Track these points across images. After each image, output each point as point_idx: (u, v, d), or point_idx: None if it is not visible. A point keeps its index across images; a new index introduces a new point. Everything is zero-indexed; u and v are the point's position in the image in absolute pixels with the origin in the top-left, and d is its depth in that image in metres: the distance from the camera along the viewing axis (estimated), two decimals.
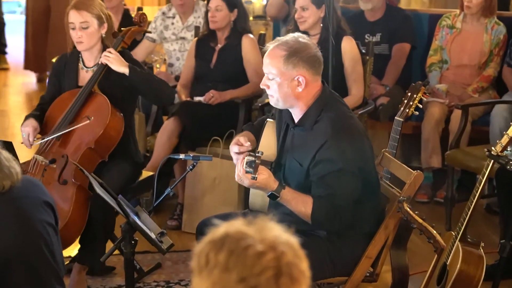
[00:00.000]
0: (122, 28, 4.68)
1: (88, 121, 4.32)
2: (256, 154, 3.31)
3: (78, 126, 4.33)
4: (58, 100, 4.51)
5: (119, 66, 4.39)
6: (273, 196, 3.40)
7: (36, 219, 2.98)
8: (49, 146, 4.40)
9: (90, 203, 4.26)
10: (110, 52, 4.41)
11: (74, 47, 4.54)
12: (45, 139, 4.39)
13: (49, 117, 4.49)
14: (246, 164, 3.31)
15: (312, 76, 3.48)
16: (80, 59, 4.56)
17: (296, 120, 3.57)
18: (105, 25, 4.46)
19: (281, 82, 3.46)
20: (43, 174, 4.30)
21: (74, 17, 4.41)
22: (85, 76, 4.53)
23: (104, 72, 4.44)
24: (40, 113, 4.53)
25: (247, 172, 3.32)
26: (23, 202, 2.96)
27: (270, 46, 3.52)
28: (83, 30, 4.41)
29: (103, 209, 4.16)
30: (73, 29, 4.42)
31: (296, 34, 3.57)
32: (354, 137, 3.48)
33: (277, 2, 6.26)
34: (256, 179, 3.32)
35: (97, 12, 4.42)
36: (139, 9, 6.88)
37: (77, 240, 4.36)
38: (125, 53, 4.56)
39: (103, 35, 4.48)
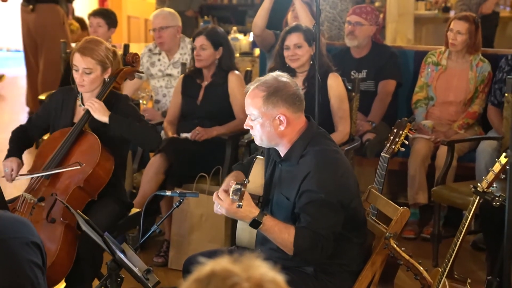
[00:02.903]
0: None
1: (78, 167, 4.28)
2: (242, 182, 3.31)
3: (67, 169, 4.30)
4: (50, 138, 4.51)
5: (101, 115, 4.41)
6: (256, 223, 3.37)
7: (24, 260, 2.95)
8: (38, 184, 4.37)
9: (78, 243, 4.24)
10: (95, 101, 4.42)
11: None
12: (33, 176, 4.37)
13: (40, 155, 4.48)
14: (232, 192, 3.30)
15: (293, 114, 3.50)
16: (80, 97, 4.55)
17: (282, 155, 3.58)
18: (109, 70, 4.45)
19: (263, 122, 3.48)
20: (32, 213, 4.27)
21: (78, 61, 4.40)
22: (81, 113, 4.51)
23: None
24: (21, 143, 4.59)
25: (232, 200, 3.31)
26: (11, 242, 2.94)
27: (250, 87, 3.55)
28: (86, 75, 4.41)
29: (91, 249, 4.13)
30: (76, 71, 4.42)
31: (275, 73, 3.59)
32: (338, 171, 3.48)
33: (265, 13, 6.17)
34: (241, 207, 3.31)
35: (102, 59, 4.41)
36: (126, 46, 6.91)
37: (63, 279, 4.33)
38: (121, 98, 4.56)
39: (106, 80, 4.48)
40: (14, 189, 4.73)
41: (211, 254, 3.67)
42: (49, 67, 8.57)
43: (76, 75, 4.43)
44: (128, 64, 4.72)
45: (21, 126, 4.70)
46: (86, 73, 4.40)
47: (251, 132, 3.57)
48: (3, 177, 4.44)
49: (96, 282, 4.29)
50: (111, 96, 4.51)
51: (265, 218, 3.38)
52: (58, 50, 7.52)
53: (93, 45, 4.44)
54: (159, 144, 4.69)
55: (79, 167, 4.27)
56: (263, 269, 1.73)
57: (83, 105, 4.50)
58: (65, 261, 4.19)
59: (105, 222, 4.27)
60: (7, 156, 4.50)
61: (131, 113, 4.52)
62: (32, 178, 4.40)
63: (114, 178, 4.48)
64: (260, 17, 6.17)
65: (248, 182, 3.35)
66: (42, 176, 4.35)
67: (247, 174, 3.81)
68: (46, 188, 4.36)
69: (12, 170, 4.43)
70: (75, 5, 10.06)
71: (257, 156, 3.85)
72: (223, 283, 1.68)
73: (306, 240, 3.38)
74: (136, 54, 4.80)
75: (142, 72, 4.82)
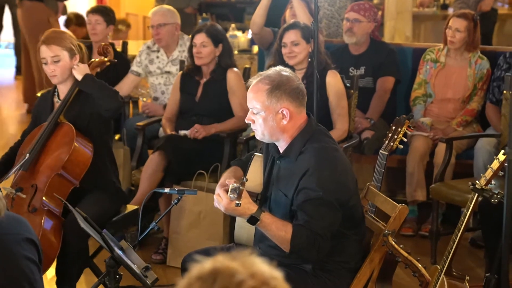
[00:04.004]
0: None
1: (26, 157, 4.36)
2: (240, 181, 3.31)
3: (17, 167, 4.39)
4: (30, 134, 4.58)
5: (77, 73, 4.47)
6: (253, 220, 3.37)
7: (20, 256, 2.95)
8: (17, 177, 4.45)
9: (64, 231, 4.27)
10: (77, 65, 4.49)
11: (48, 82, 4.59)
12: (10, 173, 4.43)
13: (20, 151, 4.54)
14: (231, 191, 3.30)
15: (296, 108, 3.50)
16: (56, 93, 4.60)
17: (281, 151, 3.57)
18: (77, 56, 4.51)
19: (266, 116, 3.47)
20: (12, 205, 4.32)
21: (45, 52, 4.47)
22: None
23: (69, 104, 4.49)
24: (7, 157, 4.62)
25: (231, 199, 3.31)
26: (6, 239, 2.94)
27: (253, 81, 3.53)
28: (55, 64, 4.46)
29: (76, 235, 4.16)
30: (45, 64, 4.49)
31: (278, 67, 3.58)
32: (337, 169, 3.48)
33: (262, 12, 6.19)
34: (240, 206, 3.31)
35: (67, 45, 4.48)
36: (124, 43, 6.90)
37: (55, 272, 4.34)
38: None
39: (77, 66, 4.51)
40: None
41: (207, 252, 3.68)
42: (38, 65, 8.61)
43: (46, 68, 4.50)
44: (100, 55, 4.79)
45: (17, 142, 4.71)
46: (54, 62, 4.46)
47: (252, 126, 3.55)
48: None
49: (94, 279, 4.29)
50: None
51: (263, 215, 3.38)
52: None
53: (56, 34, 4.54)
54: (118, 109, 4.68)
55: (26, 157, 4.36)
56: (263, 266, 1.73)
57: (60, 100, 4.54)
58: (49, 248, 4.20)
59: (94, 211, 4.27)
60: None
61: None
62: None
63: (102, 167, 4.52)
64: (259, 15, 6.18)
65: (247, 181, 3.34)
66: (16, 169, 4.40)
67: (245, 171, 3.81)
68: (26, 180, 4.42)
69: None
70: (74, 2, 10.05)
71: (255, 154, 3.85)
72: (230, 280, 1.68)
73: (303, 239, 3.38)
74: (107, 44, 4.88)
75: (115, 61, 4.87)
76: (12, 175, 4.46)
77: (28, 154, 4.39)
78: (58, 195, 4.01)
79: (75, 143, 4.38)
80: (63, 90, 4.57)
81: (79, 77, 4.47)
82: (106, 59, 4.79)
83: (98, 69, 4.75)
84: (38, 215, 4.28)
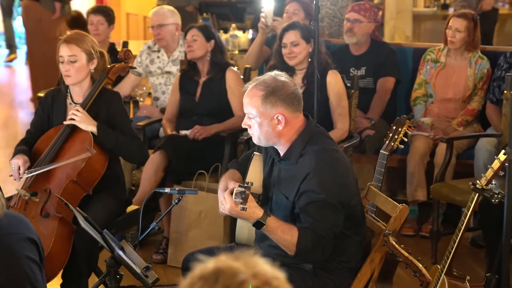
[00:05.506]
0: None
1: (89, 154, 4.30)
2: (246, 185, 3.30)
3: (75, 159, 4.30)
4: (44, 136, 4.52)
5: (87, 125, 4.41)
6: (259, 224, 3.37)
7: (21, 256, 2.95)
8: (31, 180, 4.39)
9: (74, 237, 4.25)
10: (77, 110, 4.41)
11: (64, 82, 4.54)
12: (41, 171, 4.35)
13: (34, 153, 4.50)
14: (236, 195, 3.29)
15: (291, 114, 3.49)
16: (69, 95, 4.56)
17: (281, 154, 3.57)
18: (95, 61, 4.47)
19: (261, 121, 3.47)
20: (25, 208, 4.29)
21: (64, 50, 4.43)
22: None
23: (87, 108, 4.46)
24: (27, 147, 4.52)
25: (236, 203, 3.30)
26: (7, 238, 2.94)
27: (248, 86, 3.54)
28: (71, 64, 4.42)
29: (87, 243, 4.15)
30: (62, 62, 4.44)
31: (274, 72, 3.58)
32: (338, 170, 3.48)
33: (255, 52, 6.34)
34: (245, 210, 3.30)
35: (87, 47, 4.44)
36: (125, 43, 6.90)
37: (60, 274, 4.34)
38: (114, 97, 4.55)
39: (92, 71, 4.48)
40: (13, 187, 4.72)
41: (210, 251, 3.67)
42: (38, 65, 8.66)
43: (61, 67, 4.45)
44: (120, 60, 4.76)
45: (22, 139, 4.67)
46: (71, 62, 4.41)
47: (249, 131, 3.56)
48: (11, 175, 4.45)
49: (95, 279, 4.29)
50: (105, 93, 4.52)
51: (269, 219, 3.37)
52: (37, 46, 7.69)
53: (78, 36, 4.51)
54: (141, 159, 4.70)
55: (89, 154, 4.29)
56: (266, 266, 1.73)
57: (74, 103, 4.51)
58: (60, 254, 4.20)
59: (102, 217, 4.28)
60: (14, 155, 4.50)
61: (120, 115, 4.53)
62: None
63: (113, 173, 4.50)
64: (252, 54, 6.34)
65: (252, 185, 3.32)
66: (49, 169, 4.34)
67: (245, 171, 3.80)
68: (40, 184, 4.38)
69: (19, 169, 4.42)
70: (73, 2, 10.02)
71: (254, 153, 3.84)
72: (232, 280, 1.68)
73: (309, 241, 3.38)
74: (128, 50, 4.85)
75: (135, 68, 4.85)
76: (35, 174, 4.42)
77: (43, 161, 4.35)
78: (70, 201, 3.97)
79: (92, 151, 4.35)
80: (77, 92, 4.52)
81: (87, 128, 4.39)
82: (127, 64, 4.76)
83: (118, 74, 4.71)
84: (51, 220, 4.25)
